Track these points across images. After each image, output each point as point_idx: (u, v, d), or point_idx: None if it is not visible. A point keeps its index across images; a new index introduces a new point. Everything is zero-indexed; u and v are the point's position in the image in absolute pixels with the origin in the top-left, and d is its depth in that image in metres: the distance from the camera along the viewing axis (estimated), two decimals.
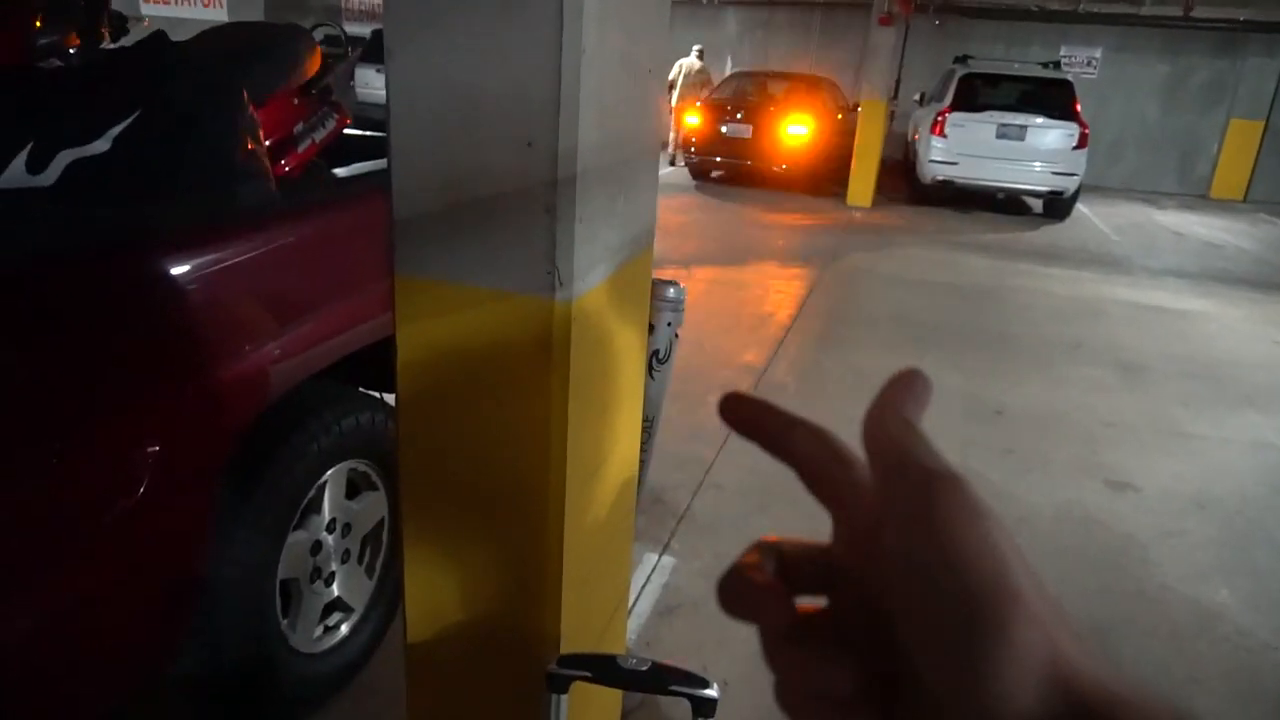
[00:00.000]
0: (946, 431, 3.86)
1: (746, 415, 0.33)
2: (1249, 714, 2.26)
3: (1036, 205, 10.26)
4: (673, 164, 11.28)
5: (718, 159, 10.47)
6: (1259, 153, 13.13)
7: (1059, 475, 3.53)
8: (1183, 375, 4.90)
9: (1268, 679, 2.39)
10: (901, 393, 0.32)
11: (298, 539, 1.84)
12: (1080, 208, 10.41)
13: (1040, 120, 9.66)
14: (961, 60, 10.54)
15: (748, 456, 3.41)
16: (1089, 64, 13.59)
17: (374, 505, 2.08)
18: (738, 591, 0.31)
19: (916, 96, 11.87)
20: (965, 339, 5.34)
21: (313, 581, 1.92)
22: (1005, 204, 10.32)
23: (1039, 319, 5.92)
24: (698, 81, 11.78)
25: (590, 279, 1.46)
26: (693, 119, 10.52)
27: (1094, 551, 2.99)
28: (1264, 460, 3.86)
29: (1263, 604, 2.73)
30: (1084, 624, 2.57)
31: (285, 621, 1.85)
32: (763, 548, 0.32)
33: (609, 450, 1.65)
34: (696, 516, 2.92)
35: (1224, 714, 2.25)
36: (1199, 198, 13.20)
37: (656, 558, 2.61)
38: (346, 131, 2.70)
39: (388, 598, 2.14)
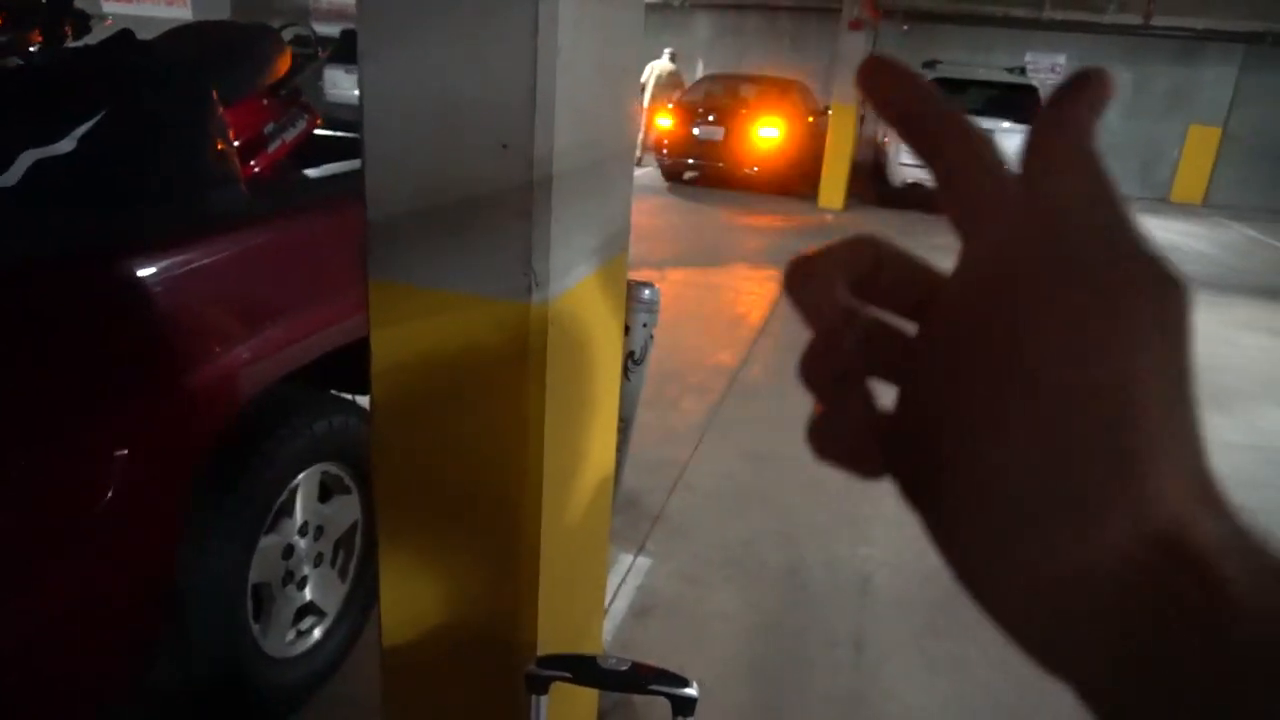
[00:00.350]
0: None
1: (890, 89, 0.26)
2: None
3: None
4: (638, 165, 11.30)
5: (690, 161, 10.51)
6: (1217, 158, 13.43)
7: None
8: None
9: None
10: (1082, 106, 0.25)
11: (269, 543, 1.82)
12: None
13: (1007, 125, 9.79)
14: (930, 65, 10.68)
15: (721, 460, 3.42)
16: (1053, 70, 13.81)
17: (347, 508, 2.07)
18: (807, 274, 0.26)
19: None
20: None
21: (285, 586, 1.90)
22: None
23: None
24: (669, 83, 11.81)
25: (566, 281, 1.47)
26: (665, 121, 10.55)
27: None
28: (1227, 460, 3.94)
29: None
30: None
31: (257, 626, 1.83)
32: (859, 243, 0.27)
33: (585, 452, 1.65)
34: (671, 518, 2.93)
35: None
36: (1160, 202, 13.48)
37: (632, 559, 2.62)
38: (317, 132, 2.68)
39: (361, 601, 2.12)
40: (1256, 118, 13.47)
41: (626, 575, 2.53)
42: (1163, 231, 10.66)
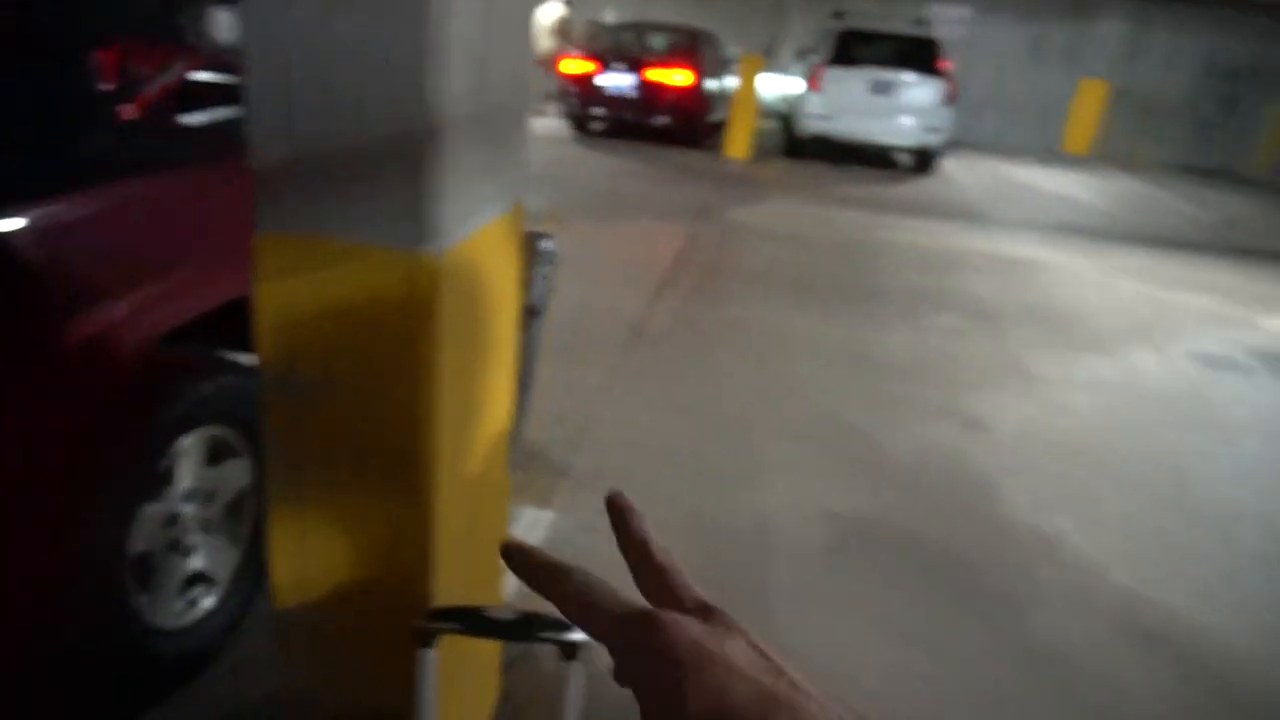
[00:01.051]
0: (821, 381, 4.01)
1: (522, 561, 0.38)
2: (1086, 628, 2.48)
3: (905, 159, 10.64)
4: (541, 114, 11.10)
5: (598, 111, 10.37)
6: (1105, 111, 14.02)
7: (921, 417, 3.74)
8: (1033, 321, 5.24)
9: (1100, 598, 2.62)
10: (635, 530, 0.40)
11: (152, 511, 1.75)
12: (945, 162, 10.87)
13: (911, 77, 9.99)
14: (838, 16, 10.75)
15: (626, 411, 3.45)
16: (956, 23, 14.10)
17: (237, 472, 2.00)
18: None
19: (795, 51, 12.05)
20: (837, 291, 5.53)
21: (170, 554, 1.84)
22: (876, 158, 10.67)
23: (906, 270, 6.19)
24: (557, 30, 11.58)
25: (462, 231, 1.43)
26: (572, 70, 10.35)
27: (950, 486, 3.19)
28: (1103, 399, 4.19)
29: (1098, 531, 2.98)
30: (940, 556, 2.75)
31: (144, 598, 1.77)
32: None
33: (483, 405, 1.64)
34: (577, 471, 2.95)
35: (1064, 628, 2.46)
36: (1052, 153, 14.01)
37: (537, 513, 2.62)
38: (198, 76, 2.52)
39: (256, 566, 2.07)
40: (1144, 73, 14.10)
41: (531, 529, 2.54)
42: (1054, 183, 11.12)
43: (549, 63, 11.09)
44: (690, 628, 0.32)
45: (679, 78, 10.14)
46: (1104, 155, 13.83)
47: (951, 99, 9.96)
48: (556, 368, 3.32)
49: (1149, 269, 6.88)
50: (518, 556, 0.39)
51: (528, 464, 2.79)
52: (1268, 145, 13.75)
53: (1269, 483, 3.50)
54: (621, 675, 0.33)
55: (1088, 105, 14.08)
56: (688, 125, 10.33)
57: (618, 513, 0.42)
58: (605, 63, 10.24)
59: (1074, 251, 7.23)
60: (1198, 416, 4.07)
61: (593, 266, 5.29)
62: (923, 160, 10.41)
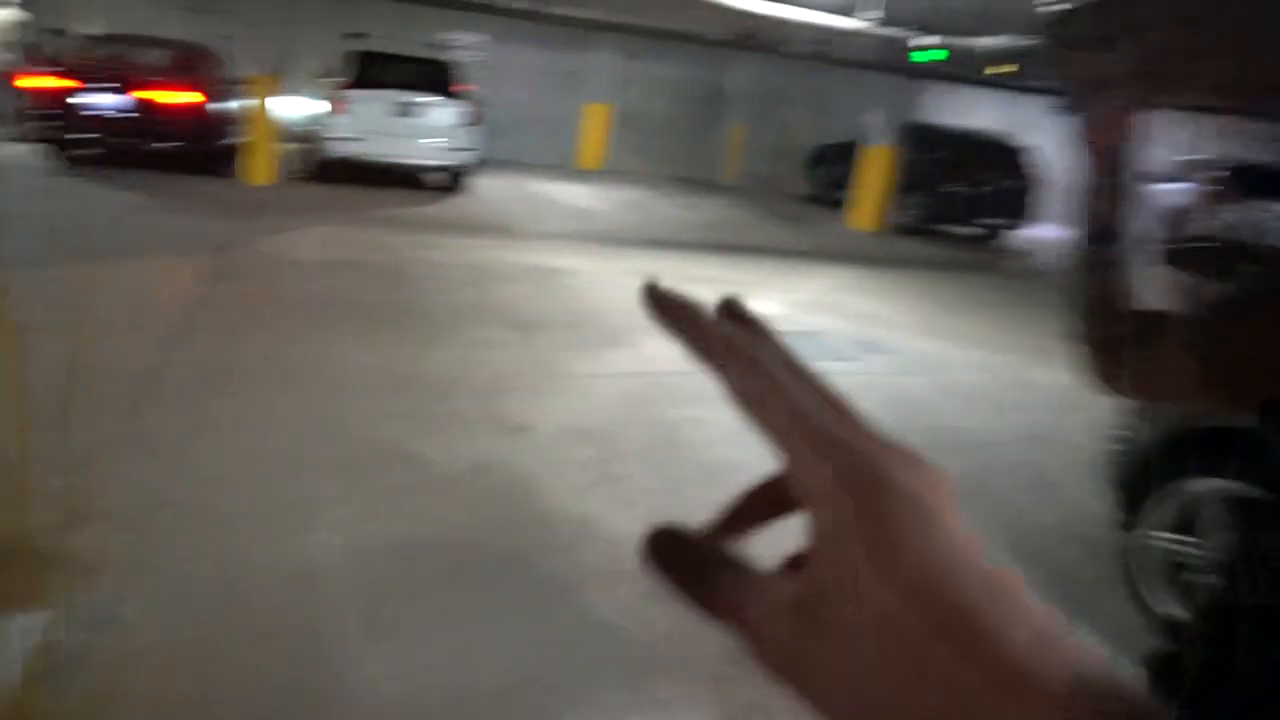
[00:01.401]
0: (368, 409, 3.96)
1: (694, 327, 0.29)
2: (621, 595, 2.80)
3: (436, 179, 10.93)
4: (7, 140, 9.37)
5: (85, 135, 8.98)
6: (610, 131, 15.83)
7: (467, 430, 3.89)
8: (563, 325, 5.75)
9: (631, 568, 2.98)
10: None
11: None
12: (476, 180, 11.38)
13: (435, 99, 10.25)
14: (356, 37, 10.63)
15: (141, 476, 3.08)
16: (475, 49, 14.81)
17: None
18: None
19: (314, 72, 11.65)
20: (376, 315, 5.51)
21: None
22: (406, 179, 10.79)
23: (442, 288, 6.38)
24: (11, 40, 9.89)
25: None
26: (41, 87, 8.83)
27: (499, 490, 3.38)
28: (624, 388, 4.75)
29: (623, 507, 3.39)
30: (495, 558, 2.90)
31: None
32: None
33: None
34: (78, 556, 2.55)
35: (604, 602, 2.75)
36: (569, 169, 15.44)
37: (24, 618, 2.22)
38: None
39: None
40: (637, 98, 16.17)
41: (16, 639, 2.14)
42: (572, 196, 12.27)
43: (5, 78, 9.33)
44: (910, 480, 0.26)
45: (184, 97, 9.20)
46: (613, 170, 15.60)
47: (476, 120, 10.43)
48: (41, 441, 2.84)
49: (655, 267, 7.89)
50: (682, 316, 0.29)
51: (3, 562, 2.35)
52: (731, 157, 16.69)
53: (749, 437, 4.28)
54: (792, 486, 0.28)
55: (595, 126, 15.76)
56: (199, 150, 9.43)
57: (733, 310, 0.31)
58: (86, 80, 8.89)
59: (593, 257, 8.06)
60: (692, 391, 4.81)
61: (91, 319, 4.59)
62: (453, 179, 10.76)
